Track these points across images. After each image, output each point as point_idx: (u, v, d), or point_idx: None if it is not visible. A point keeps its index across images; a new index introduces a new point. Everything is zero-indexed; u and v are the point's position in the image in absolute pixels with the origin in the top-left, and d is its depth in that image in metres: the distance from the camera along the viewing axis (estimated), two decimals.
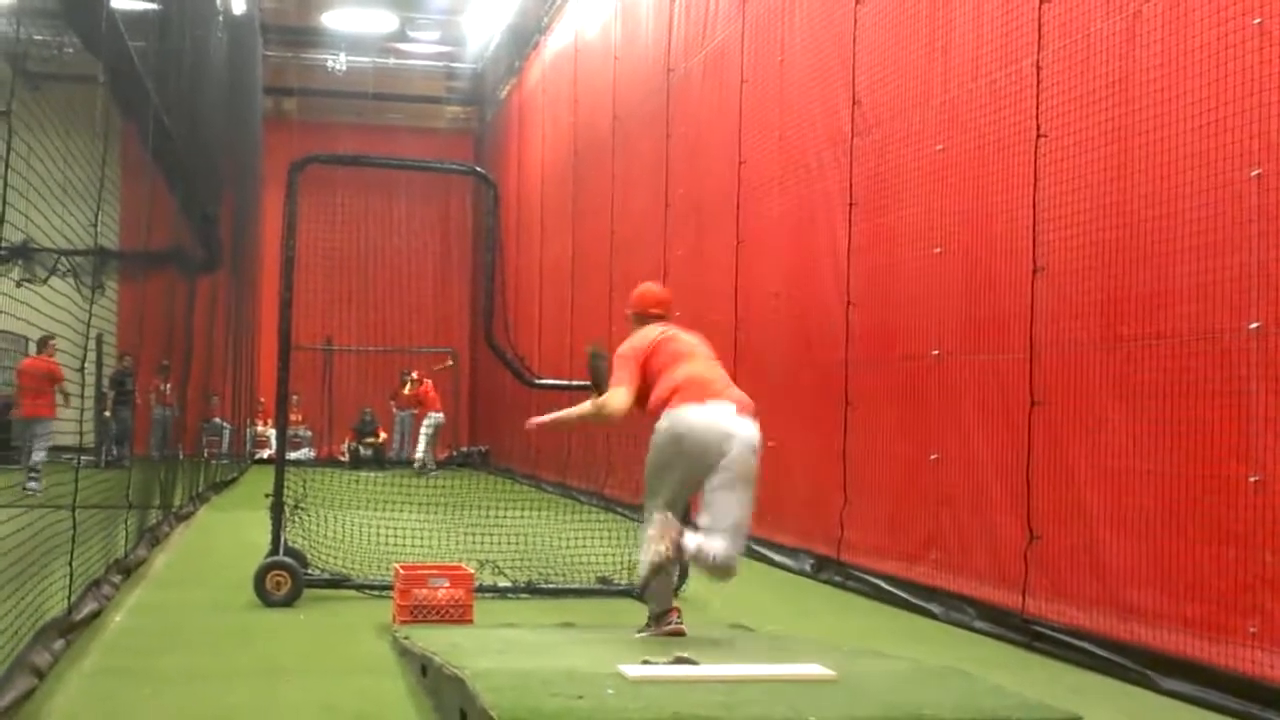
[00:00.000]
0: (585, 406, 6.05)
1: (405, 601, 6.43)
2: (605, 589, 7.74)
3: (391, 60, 25.96)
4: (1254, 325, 5.10)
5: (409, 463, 21.84)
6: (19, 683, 4.56)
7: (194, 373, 12.85)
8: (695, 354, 5.93)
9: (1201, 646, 5.26)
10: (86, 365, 7.90)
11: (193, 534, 11.37)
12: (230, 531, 11.42)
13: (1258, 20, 5.13)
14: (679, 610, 5.86)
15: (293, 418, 19.06)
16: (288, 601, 7.11)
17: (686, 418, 5.64)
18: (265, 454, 21.89)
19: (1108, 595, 5.89)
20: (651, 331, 6.03)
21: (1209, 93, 5.37)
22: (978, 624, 6.90)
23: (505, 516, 9.26)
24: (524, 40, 21.99)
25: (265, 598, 7.11)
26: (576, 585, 7.80)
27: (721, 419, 5.62)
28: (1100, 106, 6.11)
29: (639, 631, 5.89)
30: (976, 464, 7.11)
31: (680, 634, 5.75)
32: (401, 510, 9.52)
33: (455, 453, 23.84)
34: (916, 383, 7.83)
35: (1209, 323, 5.34)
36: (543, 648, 5.37)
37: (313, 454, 22.94)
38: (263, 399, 23.24)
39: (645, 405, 5.86)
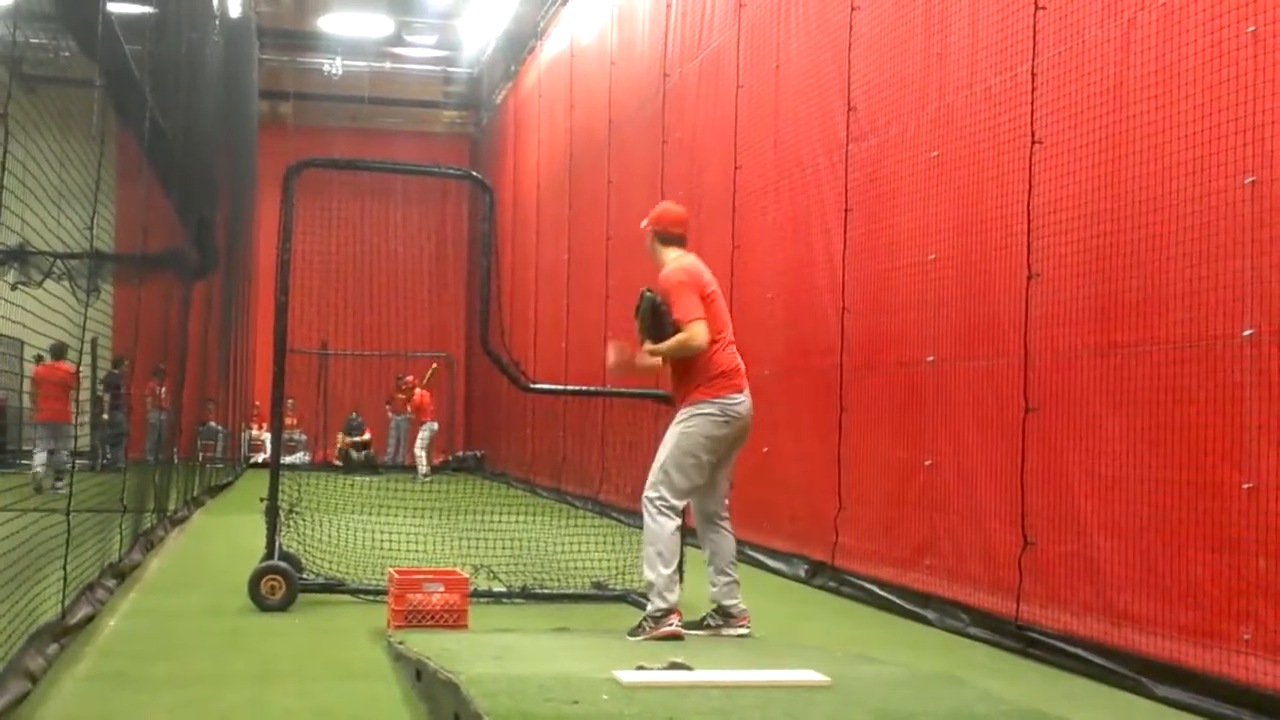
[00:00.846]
0: (673, 342, 6.02)
1: (400, 606, 6.43)
2: (600, 594, 7.74)
3: (388, 64, 26.01)
4: (1247, 332, 5.11)
5: (404, 468, 21.85)
6: (12, 687, 4.54)
7: (189, 376, 12.85)
8: (729, 324, 6.20)
9: (1195, 653, 5.25)
10: (81, 369, 7.90)
11: (187, 538, 11.36)
12: (225, 536, 11.41)
13: (1251, 28, 5.14)
14: (679, 614, 5.87)
15: (287, 422, 19.10)
16: (282, 606, 7.10)
17: (737, 407, 6.04)
18: (260, 458, 21.92)
19: (1101, 601, 5.89)
20: (696, 267, 6.18)
21: (1203, 100, 5.38)
22: (972, 630, 6.90)
23: (500, 521, 9.27)
24: (520, 45, 22.03)
25: (260, 602, 7.10)
26: (571, 590, 7.79)
27: (750, 408, 6.13)
28: (1095, 113, 6.12)
29: (631, 634, 5.89)
30: (971, 470, 7.12)
31: (678, 637, 5.76)
32: (396, 515, 9.52)
33: (451, 457, 23.86)
34: (911, 388, 7.84)
35: (1203, 329, 5.34)
36: (537, 653, 5.38)
37: (307, 458, 22.94)
38: (258, 403, 23.27)
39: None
